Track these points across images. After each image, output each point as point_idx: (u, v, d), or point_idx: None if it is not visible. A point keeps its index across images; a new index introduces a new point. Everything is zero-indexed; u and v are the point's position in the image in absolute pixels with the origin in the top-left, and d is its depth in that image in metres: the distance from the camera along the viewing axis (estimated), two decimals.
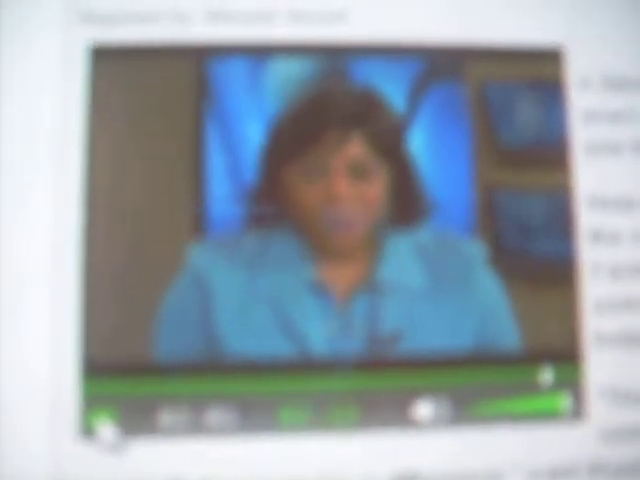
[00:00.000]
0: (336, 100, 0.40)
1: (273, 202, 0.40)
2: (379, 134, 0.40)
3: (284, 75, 0.40)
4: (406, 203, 0.41)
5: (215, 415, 0.39)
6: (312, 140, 0.39)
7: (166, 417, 0.38)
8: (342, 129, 0.40)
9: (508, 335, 0.40)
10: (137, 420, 0.38)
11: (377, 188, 0.40)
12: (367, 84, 0.40)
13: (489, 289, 0.40)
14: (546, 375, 0.40)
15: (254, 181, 0.40)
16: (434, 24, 0.41)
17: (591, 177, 0.41)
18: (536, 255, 0.40)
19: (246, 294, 0.40)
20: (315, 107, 0.40)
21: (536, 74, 0.41)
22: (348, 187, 0.39)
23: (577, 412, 0.39)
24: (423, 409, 0.39)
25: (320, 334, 0.39)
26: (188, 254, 0.39)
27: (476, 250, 0.40)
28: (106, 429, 0.38)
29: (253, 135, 0.40)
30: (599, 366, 0.40)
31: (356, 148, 0.40)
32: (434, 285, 0.40)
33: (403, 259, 0.41)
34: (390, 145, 0.40)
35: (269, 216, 0.40)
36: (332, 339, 0.39)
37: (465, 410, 0.39)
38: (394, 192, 0.40)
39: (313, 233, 0.40)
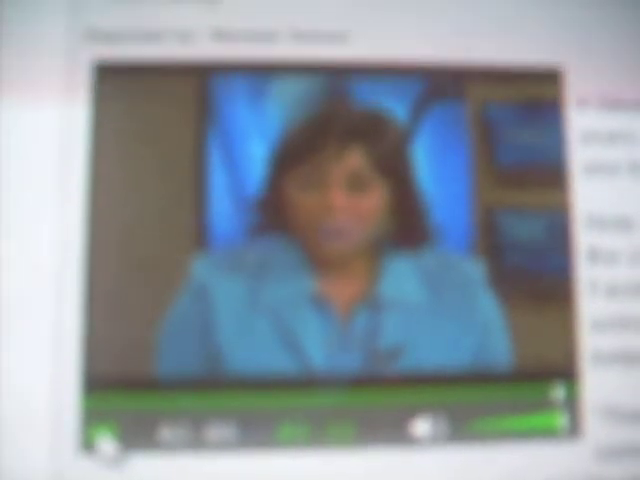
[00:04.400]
0: (337, 115, 0.41)
1: (275, 213, 0.40)
2: (379, 148, 0.40)
3: (286, 94, 0.41)
4: (409, 226, 0.41)
5: (214, 430, 0.39)
6: (311, 150, 0.40)
7: (166, 432, 0.39)
8: (342, 141, 0.40)
9: (506, 353, 0.40)
10: (137, 435, 0.38)
11: (374, 201, 0.40)
12: (369, 103, 0.41)
13: (488, 308, 0.40)
14: (543, 393, 0.40)
15: (256, 193, 0.40)
16: (435, 45, 0.41)
17: (589, 197, 0.41)
18: (534, 274, 0.41)
19: (247, 309, 0.40)
20: (317, 121, 0.41)
21: (535, 95, 0.41)
22: (344, 198, 0.40)
23: (574, 430, 0.40)
24: (421, 426, 0.39)
25: (320, 349, 0.40)
26: (189, 270, 0.40)
27: (475, 269, 0.41)
28: (106, 444, 0.38)
29: (255, 152, 0.40)
30: (596, 384, 0.40)
31: (355, 160, 0.40)
32: (434, 302, 0.40)
33: (403, 276, 0.41)
34: (390, 160, 0.41)
35: (270, 229, 0.40)
36: (332, 354, 0.40)
37: (463, 427, 0.39)
38: (396, 212, 0.41)
39: (311, 243, 0.40)
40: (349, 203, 0.40)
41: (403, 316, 0.40)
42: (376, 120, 0.41)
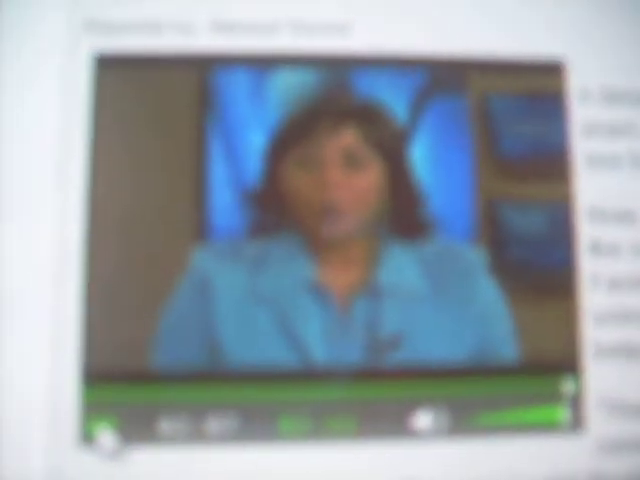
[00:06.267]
0: (334, 100, 0.41)
1: (274, 205, 0.40)
2: (374, 129, 0.40)
3: (287, 86, 0.40)
4: (408, 217, 0.41)
5: (214, 423, 0.39)
6: (306, 131, 0.40)
7: (166, 425, 0.38)
8: (336, 120, 0.40)
9: (507, 345, 0.40)
10: (137, 428, 0.38)
11: (370, 179, 0.40)
12: (369, 95, 0.41)
13: (490, 298, 0.40)
14: (545, 386, 0.40)
15: (256, 184, 0.40)
16: (437, 37, 0.41)
17: (591, 189, 0.41)
18: (536, 266, 0.41)
19: (247, 299, 0.40)
20: (312, 106, 0.41)
21: (537, 87, 0.41)
22: (341, 175, 0.40)
23: (575, 423, 0.40)
24: (422, 419, 0.39)
25: (320, 339, 0.39)
26: (189, 262, 0.39)
27: (477, 257, 0.40)
28: (106, 437, 0.38)
29: (255, 145, 0.40)
30: (598, 378, 0.40)
31: (350, 137, 0.40)
32: (434, 291, 0.40)
33: (403, 263, 0.41)
34: (385, 141, 0.41)
35: (270, 220, 0.40)
36: (333, 345, 0.39)
37: (464, 421, 0.39)
38: (394, 198, 0.41)
39: (309, 227, 0.40)
40: (345, 180, 0.40)
41: (403, 304, 0.40)
42: (372, 106, 0.41)
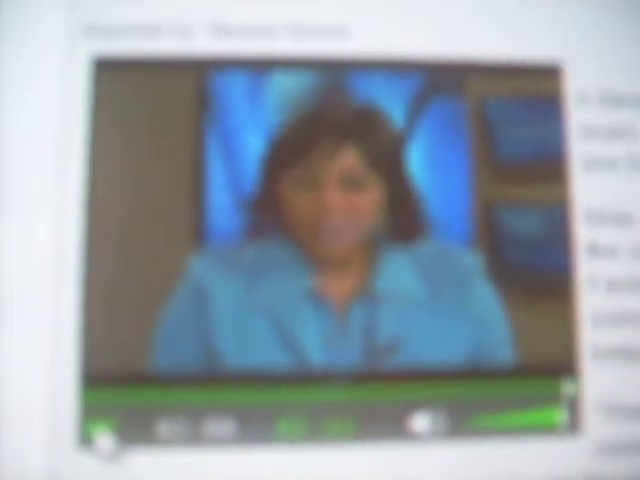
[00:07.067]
0: (332, 113, 0.41)
1: (271, 212, 0.40)
2: (373, 147, 0.40)
3: (285, 89, 0.41)
4: (404, 220, 0.41)
5: (212, 426, 0.39)
6: (305, 151, 0.40)
7: (164, 427, 0.39)
8: (335, 140, 0.40)
9: (505, 348, 0.40)
10: (135, 430, 0.38)
11: (369, 199, 0.40)
12: (366, 99, 0.41)
13: (486, 301, 0.40)
14: (543, 389, 0.40)
15: (253, 192, 0.40)
16: (434, 40, 0.41)
17: (588, 192, 0.41)
18: (534, 268, 0.41)
19: (245, 305, 0.40)
20: (311, 119, 0.41)
21: (535, 90, 0.41)
22: (339, 198, 0.40)
23: (573, 426, 0.40)
24: (420, 422, 0.39)
25: (318, 344, 0.40)
26: (187, 265, 0.40)
27: (474, 261, 0.40)
28: (104, 439, 0.38)
29: (253, 148, 0.40)
30: (595, 380, 0.40)
31: (348, 159, 0.40)
32: (431, 295, 0.40)
33: (399, 269, 0.41)
34: (384, 158, 0.41)
35: (267, 226, 0.40)
36: (330, 349, 0.39)
37: (462, 423, 0.39)
38: (391, 208, 0.41)
39: (308, 243, 0.40)
40: (344, 202, 0.40)
41: (400, 309, 0.40)
42: (370, 117, 0.41)
